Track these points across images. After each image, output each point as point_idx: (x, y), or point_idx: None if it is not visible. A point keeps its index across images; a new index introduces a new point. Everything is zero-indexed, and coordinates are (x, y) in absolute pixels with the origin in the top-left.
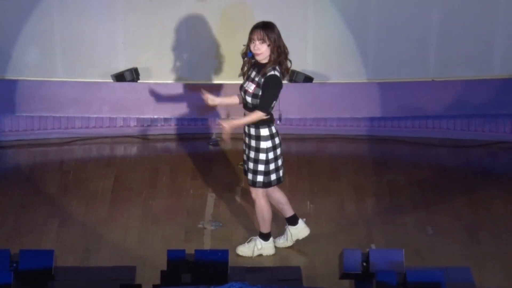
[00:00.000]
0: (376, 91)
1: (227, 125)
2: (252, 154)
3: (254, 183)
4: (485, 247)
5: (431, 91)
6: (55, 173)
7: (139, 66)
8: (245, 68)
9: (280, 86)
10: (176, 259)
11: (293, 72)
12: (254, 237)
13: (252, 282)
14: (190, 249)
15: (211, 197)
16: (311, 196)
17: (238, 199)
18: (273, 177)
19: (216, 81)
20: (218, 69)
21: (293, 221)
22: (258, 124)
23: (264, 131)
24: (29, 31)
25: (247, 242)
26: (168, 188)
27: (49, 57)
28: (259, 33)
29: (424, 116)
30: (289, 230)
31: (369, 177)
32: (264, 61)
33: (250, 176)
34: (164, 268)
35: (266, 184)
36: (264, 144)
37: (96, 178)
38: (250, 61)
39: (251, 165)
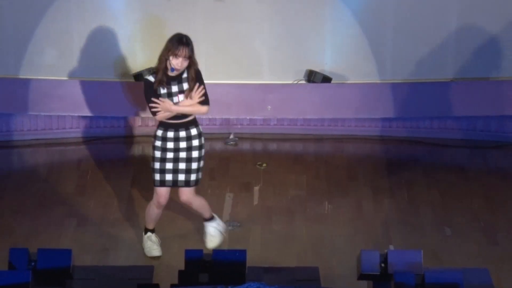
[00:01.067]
0: (394, 91)
1: (170, 106)
2: (184, 155)
3: (188, 183)
4: (503, 248)
5: (450, 92)
6: (73, 173)
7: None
8: (160, 79)
9: None
10: (193, 259)
11: (312, 72)
12: (206, 225)
13: (269, 282)
14: (207, 249)
15: (228, 197)
16: (328, 197)
17: (255, 199)
18: (201, 175)
19: (234, 81)
20: (235, 69)
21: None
22: (188, 126)
23: (194, 131)
24: (47, 31)
25: (206, 233)
26: None
27: (67, 57)
28: (185, 51)
29: (443, 117)
30: (208, 225)
31: (387, 178)
32: (177, 73)
33: (182, 177)
34: (182, 268)
35: (197, 182)
36: (197, 142)
37: (114, 178)
38: (162, 76)
39: (183, 165)
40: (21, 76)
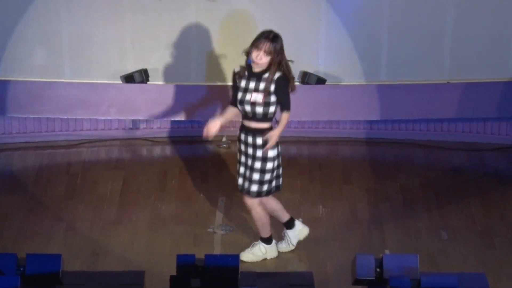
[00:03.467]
0: (390, 93)
1: (275, 136)
2: (249, 162)
3: (248, 192)
4: (500, 252)
5: (446, 93)
6: (62, 176)
7: (148, 67)
8: (243, 74)
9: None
10: (185, 264)
11: (306, 73)
12: (257, 242)
13: (262, 287)
14: (199, 254)
15: (221, 201)
16: (323, 200)
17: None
18: (267, 187)
19: (227, 82)
20: (229, 71)
21: (290, 224)
22: (255, 133)
23: (259, 140)
24: (37, 32)
25: (251, 247)
26: (177, 192)
27: (56, 58)
28: (267, 45)
29: (439, 119)
30: (288, 234)
31: (382, 181)
32: (260, 69)
33: (246, 184)
34: (173, 273)
35: (260, 194)
36: (260, 153)
37: (104, 181)
38: (245, 69)
39: (247, 173)
40: (9, 78)
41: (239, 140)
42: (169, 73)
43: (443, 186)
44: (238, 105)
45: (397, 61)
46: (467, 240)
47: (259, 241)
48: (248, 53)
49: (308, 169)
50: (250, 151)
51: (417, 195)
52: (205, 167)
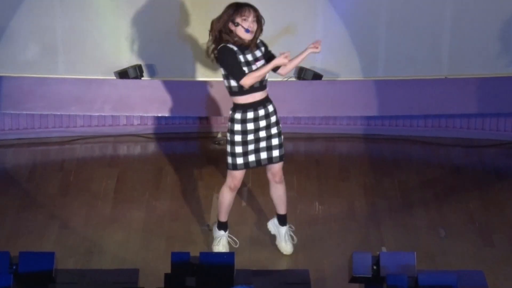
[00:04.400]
0: (387, 89)
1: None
2: (264, 133)
3: (283, 157)
4: (499, 250)
5: (444, 89)
6: (56, 173)
7: (143, 63)
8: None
9: None
10: (180, 262)
11: (302, 69)
12: (282, 229)
13: (258, 285)
14: (194, 252)
15: (216, 198)
16: (319, 197)
17: (244, 200)
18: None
19: (221, 78)
20: None
21: (223, 227)
22: (265, 103)
23: (271, 107)
24: (30, 27)
25: (284, 241)
26: (172, 189)
27: (50, 54)
28: (252, 11)
29: (437, 115)
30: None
31: (379, 178)
32: (249, 39)
33: (280, 151)
34: (168, 271)
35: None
36: (274, 118)
37: (98, 178)
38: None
39: (264, 143)
40: (1, 74)
41: (244, 120)
42: (164, 69)
43: (441, 183)
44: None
45: (394, 57)
46: (466, 237)
47: (284, 227)
48: (229, 31)
49: (305, 165)
50: (262, 123)
51: (415, 192)
52: (200, 164)
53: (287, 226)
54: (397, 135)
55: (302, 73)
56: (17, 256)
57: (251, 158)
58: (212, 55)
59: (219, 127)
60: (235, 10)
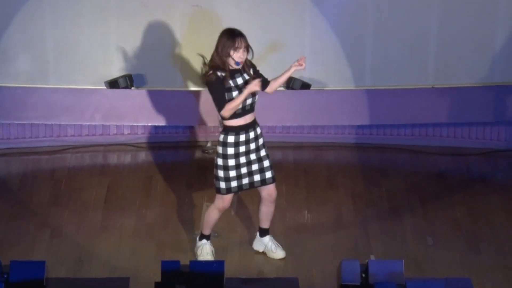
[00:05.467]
0: (375, 98)
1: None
2: (254, 156)
3: (272, 179)
4: (486, 257)
5: (431, 98)
6: (47, 182)
7: (133, 73)
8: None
9: None
10: (170, 270)
11: (290, 79)
12: (267, 240)
13: None
14: (185, 260)
15: (206, 207)
16: (308, 205)
17: (234, 208)
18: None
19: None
20: None
21: (204, 238)
22: (255, 125)
23: (259, 129)
24: (21, 37)
25: (271, 251)
26: (162, 198)
27: (41, 64)
28: (243, 41)
29: (424, 123)
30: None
31: (367, 186)
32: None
33: (270, 173)
34: (158, 279)
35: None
36: (262, 140)
37: (89, 187)
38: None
39: (256, 166)
40: None
41: (237, 143)
42: (154, 79)
43: (429, 191)
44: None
45: (382, 66)
46: (453, 245)
47: (269, 237)
48: (221, 60)
49: (294, 174)
50: (252, 146)
51: (403, 200)
52: (190, 173)
53: (269, 235)
54: (384, 144)
55: (290, 83)
56: (8, 265)
57: (245, 181)
58: (204, 78)
59: (208, 136)
60: (228, 39)
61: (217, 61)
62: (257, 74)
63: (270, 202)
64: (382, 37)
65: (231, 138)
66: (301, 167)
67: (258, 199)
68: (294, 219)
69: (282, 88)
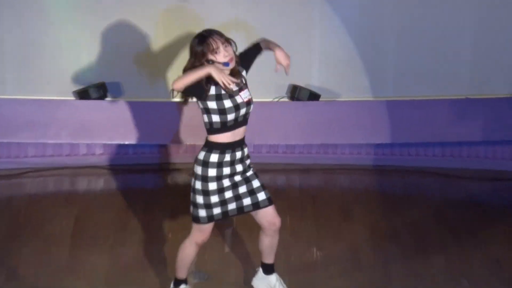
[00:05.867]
0: (397, 111)
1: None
2: (239, 177)
3: (270, 200)
4: None
5: (465, 111)
6: (2, 212)
7: (107, 81)
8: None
9: None
10: None
11: (296, 87)
12: (272, 277)
13: None
14: None
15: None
16: (317, 241)
17: (227, 245)
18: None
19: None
20: None
21: (178, 284)
22: (243, 144)
23: (246, 150)
24: None
25: None
26: (141, 232)
27: None
28: (218, 38)
29: (456, 142)
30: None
31: (388, 217)
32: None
33: (264, 194)
34: None
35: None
36: (248, 160)
37: (53, 219)
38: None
39: (244, 188)
40: None
41: (221, 164)
42: (131, 88)
43: (462, 222)
44: (231, 115)
45: (405, 73)
46: None
47: (274, 275)
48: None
49: (300, 203)
50: (239, 167)
51: (431, 234)
52: (173, 201)
53: (275, 273)
54: (409, 166)
55: (296, 93)
56: None
57: (231, 206)
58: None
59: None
60: (200, 45)
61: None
62: (247, 63)
63: (273, 232)
64: (406, 39)
65: (214, 157)
66: (309, 195)
67: (257, 231)
68: (300, 257)
69: (285, 99)
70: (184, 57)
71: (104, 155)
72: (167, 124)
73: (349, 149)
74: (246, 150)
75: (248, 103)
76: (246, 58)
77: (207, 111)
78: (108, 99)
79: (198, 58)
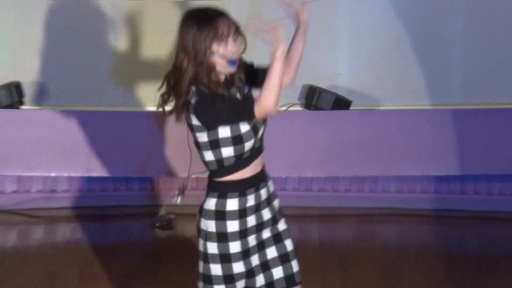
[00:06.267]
0: (469, 125)
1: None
2: (268, 233)
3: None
4: None
5: None
6: None
7: (23, 80)
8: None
9: None
10: None
11: (314, 90)
12: None
13: None
14: None
15: None
16: None
17: None
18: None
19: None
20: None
21: None
22: (266, 176)
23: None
24: None
25: None
26: None
27: None
28: (229, 23)
29: None
30: None
31: (449, 282)
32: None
33: (291, 268)
34: None
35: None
36: (277, 201)
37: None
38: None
39: (273, 250)
40: None
41: (244, 211)
42: (62, 91)
43: None
44: (249, 143)
45: (473, 75)
46: None
47: None
48: (200, 63)
49: (321, 265)
50: (266, 213)
51: None
52: (127, 266)
53: None
54: (486, 211)
55: (314, 98)
56: None
57: (259, 279)
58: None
59: (164, 196)
60: (202, 27)
61: (190, 74)
62: (256, 79)
63: None
64: (473, 30)
65: (232, 204)
66: (334, 253)
67: None
68: None
69: (298, 107)
70: (141, 50)
71: (19, 193)
72: (115, 146)
73: (396, 185)
74: (271, 183)
75: (264, 120)
76: (255, 74)
77: (214, 144)
78: (25, 106)
79: (199, 45)
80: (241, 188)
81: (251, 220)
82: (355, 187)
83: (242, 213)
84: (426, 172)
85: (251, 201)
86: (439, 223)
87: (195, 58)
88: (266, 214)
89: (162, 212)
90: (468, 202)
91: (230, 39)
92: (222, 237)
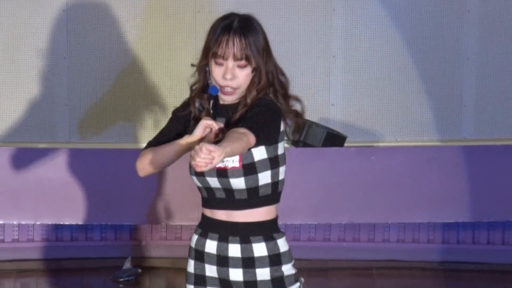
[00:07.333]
0: (481, 163)
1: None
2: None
3: None
4: None
5: None
6: None
7: None
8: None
9: (279, 115)
10: None
11: (303, 124)
12: None
13: None
14: None
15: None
16: None
17: None
18: None
19: (139, 143)
20: (143, 119)
21: None
22: (251, 230)
23: (262, 246)
24: None
25: None
26: None
27: None
28: (238, 44)
29: None
30: None
31: None
32: (235, 100)
33: None
34: None
35: None
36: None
37: None
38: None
39: None
40: None
41: (201, 256)
42: (10, 129)
43: None
44: (194, 178)
45: (483, 107)
46: None
47: None
48: (198, 72)
49: None
50: (259, 273)
51: None
52: None
53: None
54: (500, 264)
55: (302, 132)
56: None
57: None
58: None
59: (129, 247)
60: (211, 34)
61: (195, 79)
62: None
63: None
64: (485, 58)
65: (193, 239)
66: None
67: None
68: None
69: (286, 145)
70: (117, 74)
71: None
72: (76, 188)
73: (398, 234)
74: (260, 249)
75: (224, 171)
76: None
77: (280, 160)
78: None
79: (203, 57)
80: (203, 226)
81: (211, 271)
82: (350, 236)
83: (198, 256)
84: (432, 218)
85: (211, 247)
86: (447, 277)
87: (200, 67)
88: (236, 274)
89: (126, 265)
90: (481, 254)
91: (229, 63)
92: (186, 275)
